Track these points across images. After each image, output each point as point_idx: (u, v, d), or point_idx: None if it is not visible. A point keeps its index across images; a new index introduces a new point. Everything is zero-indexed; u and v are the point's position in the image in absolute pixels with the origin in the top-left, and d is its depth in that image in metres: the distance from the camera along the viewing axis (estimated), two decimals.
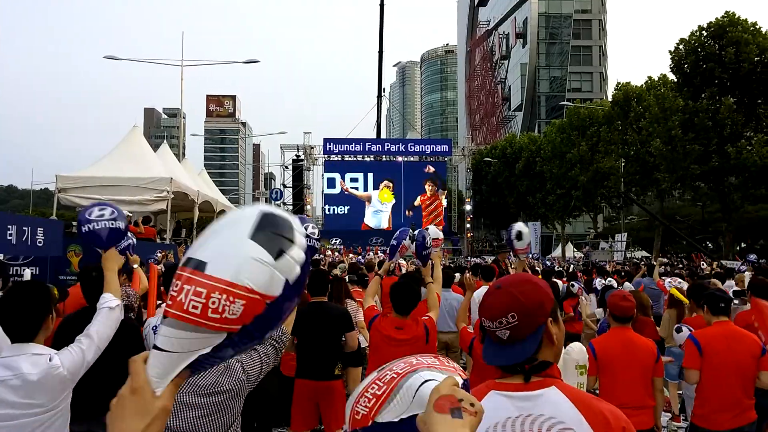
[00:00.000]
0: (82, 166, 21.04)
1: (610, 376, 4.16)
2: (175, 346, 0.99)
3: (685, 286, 7.83)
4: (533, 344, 1.66)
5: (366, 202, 45.21)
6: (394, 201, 45.84)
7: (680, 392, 7.24)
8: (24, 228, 8.04)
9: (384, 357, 4.76)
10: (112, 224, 3.28)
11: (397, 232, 5.59)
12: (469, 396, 1.05)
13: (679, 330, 5.36)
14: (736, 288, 7.64)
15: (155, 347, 1.01)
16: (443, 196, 47.54)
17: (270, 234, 1.00)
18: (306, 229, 3.39)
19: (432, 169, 45.09)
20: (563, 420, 1.54)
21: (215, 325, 0.97)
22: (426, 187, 45.64)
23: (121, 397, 1.01)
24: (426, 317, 4.86)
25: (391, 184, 45.16)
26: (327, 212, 46.38)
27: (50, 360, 2.63)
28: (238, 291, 0.96)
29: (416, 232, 5.40)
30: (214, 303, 0.95)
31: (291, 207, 48.52)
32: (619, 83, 37.27)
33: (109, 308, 3.02)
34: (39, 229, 8.36)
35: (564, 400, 1.58)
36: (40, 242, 8.36)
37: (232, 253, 0.98)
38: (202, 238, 1.05)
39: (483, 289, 7.46)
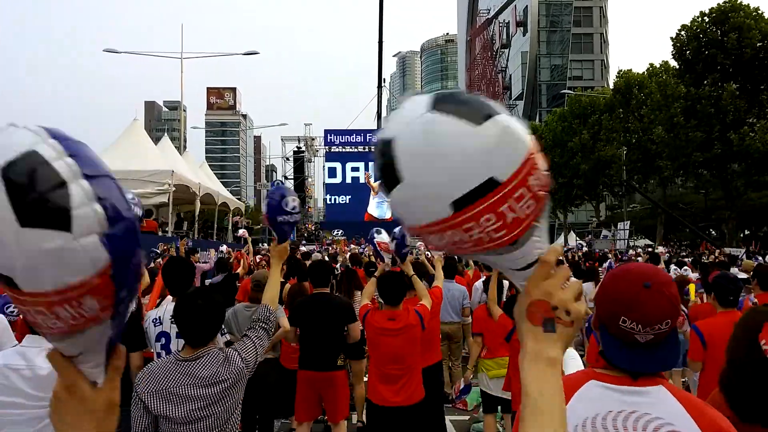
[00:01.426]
0: None
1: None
2: (75, 350, 0.83)
3: (690, 274, 7.83)
4: (676, 348, 1.56)
5: (372, 192, 45.23)
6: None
7: (684, 379, 7.25)
8: None
9: (381, 349, 4.78)
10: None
11: (395, 230, 5.60)
12: (565, 300, 0.95)
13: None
14: (741, 276, 7.61)
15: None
16: None
17: (35, 203, 0.68)
18: (286, 205, 3.33)
19: None
20: (672, 422, 1.44)
21: (88, 324, 0.79)
22: None
23: (58, 397, 0.86)
24: (419, 305, 4.95)
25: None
26: (328, 202, 46.36)
27: None
28: (69, 294, 0.74)
29: (396, 230, 5.44)
30: (64, 315, 0.75)
31: None
32: (620, 71, 37.17)
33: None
34: None
35: (674, 401, 1.49)
36: None
37: (22, 257, 0.69)
38: None
39: (480, 282, 7.50)
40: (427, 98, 0.89)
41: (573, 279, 0.99)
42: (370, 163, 45.81)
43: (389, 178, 0.89)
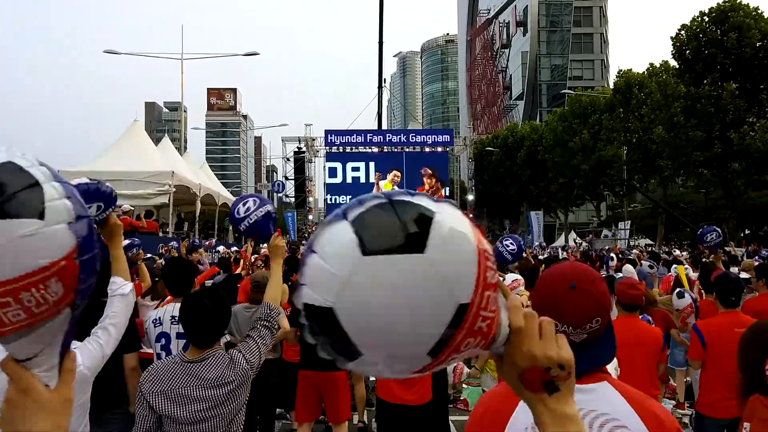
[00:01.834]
0: (83, 161, 21.07)
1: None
2: (33, 349, 0.87)
3: (691, 273, 7.82)
4: (611, 344, 1.56)
5: (375, 190, 45.12)
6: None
7: (687, 379, 7.24)
8: None
9: None
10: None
11: None
12: (552, 356, 0.88)
13: (681, 295, 5.30)
14: (743, 275, 7.60)
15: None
16: (443, 190, 47.39)
17: (12, 197, 0.78)
18: (238, 213, 3.46)
19: (429, 171, 44.76)
20: (618, 417, 1.45)
21: (51, 312, 0.83)
22: (425, 180, 45.48)
23: (10, 401, 0.86)
24: None
25: (399, 174, 44.94)
26: (329, 202, 46.34)
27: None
28: (38, 276, 0.80)
29: None
30: (30, 301, 0.80)
31: (293, 199, 48.53)
32: (620, 70, 37.14)
33: (122, 294, 2.84)
34: None
35: (617, 395, 1.49)
36: None
37: None
38: None
39: None
40: (351, 234, 0.73)
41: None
42: (371, 163, 45.77)
43: (343, 352, 0.77)
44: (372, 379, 6.72)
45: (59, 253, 0.82)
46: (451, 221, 0.76)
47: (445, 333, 0.75)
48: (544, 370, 0.88)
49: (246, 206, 3.47)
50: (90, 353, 2.66)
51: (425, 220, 0.73)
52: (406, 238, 0.72)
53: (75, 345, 2.70)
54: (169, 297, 4.66)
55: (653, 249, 22.53)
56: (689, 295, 5.24)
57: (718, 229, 7.81)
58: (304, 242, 30.04)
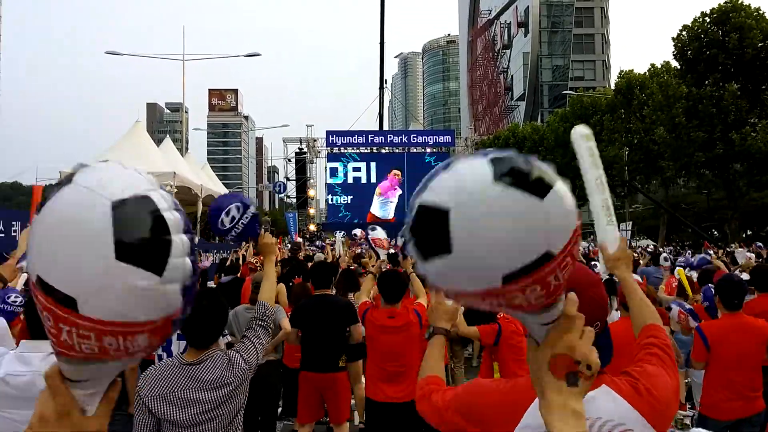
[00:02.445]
0: (86, 161, 21.04)
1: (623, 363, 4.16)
2: (88, 375, 0.83)
3: (694, 275, 7.79)
4: (609, 348, 1.57)
5: (377, 193, 45.07)
6: (399, 192, 45.73)
7: (687, 380, 7.23)
8: (29, 225, 8.02)
9: (381, 346, 4.79)
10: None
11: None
12: (587, 355, 0.96)
13: (669, 309, 5.31)
14: (744, 277, 7.58)
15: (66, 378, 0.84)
16: None
17: (138, 243, 0.74)
18: (222, 224, 3.44)
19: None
20: (623, 421, 1.46)
21: (124, 358, 0.81)
22: None
23: (45, 420, 0.83)
24: (416, 303, 4.98)
25: (399, 172, 44.91)
26: (330, 203, 46.33)
27: None
28: (131, 329, 0.77)
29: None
30: (111, 344, 0.77)
31: (295, 200, 48.52)
32: (622, 71, 37.09)
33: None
34: None
35: (617, 397, 1.50)
36: None
37: (103, 285, 0.73)
38: (43, 253, 0.76)
39: None
40: (487, 165, 0.84)
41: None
42: (373, 164, 45.74)
43: (435, 246, 0.85)
44: None
45: (162, 313, 0.79)
46: (567, 193, 0.87)
47: (524, 267, 0.84)
48: (575, 362, 0.95)
49: (230, 216, 3.44)
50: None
51: (550, 180, 0.85)
52: (532, 183, 0.83)
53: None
54: None
55: (656, 250, 22.49)
56: (675, 304, 5.23)
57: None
58: (307, 243, 30.01)
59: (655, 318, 1.87)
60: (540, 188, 0.83)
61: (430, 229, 0.85)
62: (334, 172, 46.03)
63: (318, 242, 27.23)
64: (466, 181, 0.84)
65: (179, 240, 0.78)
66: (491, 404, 1.57)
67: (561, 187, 0.86)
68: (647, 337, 1.73)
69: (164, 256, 0.76)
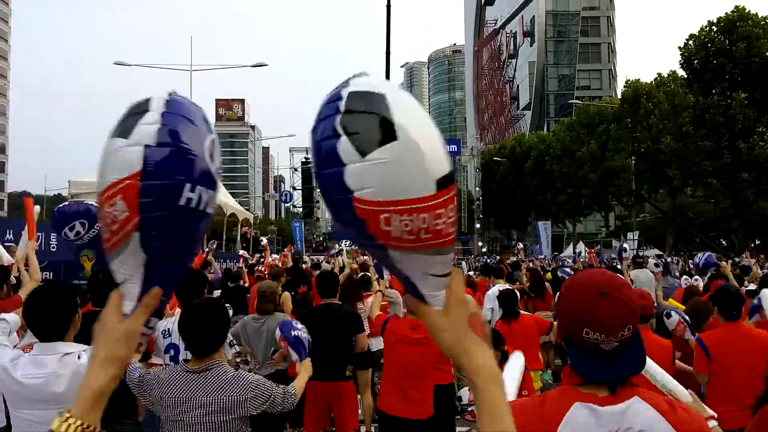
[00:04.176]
0: (94, 171, 21.18)
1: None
2: (123, 274, 1.00)
3: (701, 284, 7.78)
4: (642, 352, 1.54)
5: None
6: None
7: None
8: (38, 233, 8.09)
9: (400, 357, 4.75)
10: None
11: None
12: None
13: (668, 315, 5.27)
14: (751, 287, 7.55)
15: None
16: None
17: (122, 120, 0.99)
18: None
19: None
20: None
21: (124, 234, 0.95)
22: None
23: (96, 329, 1.00)
24: None
25: None
26: None
27: (79, 358, 2.63)
28: (109, 192, 0.94)
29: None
30: (106, 218, 0.96)
31: (301, 209, 48.59)
32: (628, 80, 37.16)
33: None
34: (52, 234, 8.42)
35: (650, 409, 1.49)
36: (53, 247, 8.43)
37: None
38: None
39: (495, 289, 7.38)
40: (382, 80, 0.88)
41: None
42: None
43: (381, 132, 0.81)
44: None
45: (126, 172, 0.91)
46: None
47: (448, 176, 0.85)
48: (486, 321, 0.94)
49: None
50: None
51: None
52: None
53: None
54: (179, 308, 4.68)
55: (664, 259, 22.39)
56: (676, 312, 5.20)
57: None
58: (309, 253, 30.00)
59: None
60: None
61: (370, 115, 0.81)
62: None
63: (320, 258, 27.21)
64: (371, 80, 0.87)
65: (153, 114, 0.96)
66: (530, 421, 1.54)
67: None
68: None
69: (134, 123, 0.95)
